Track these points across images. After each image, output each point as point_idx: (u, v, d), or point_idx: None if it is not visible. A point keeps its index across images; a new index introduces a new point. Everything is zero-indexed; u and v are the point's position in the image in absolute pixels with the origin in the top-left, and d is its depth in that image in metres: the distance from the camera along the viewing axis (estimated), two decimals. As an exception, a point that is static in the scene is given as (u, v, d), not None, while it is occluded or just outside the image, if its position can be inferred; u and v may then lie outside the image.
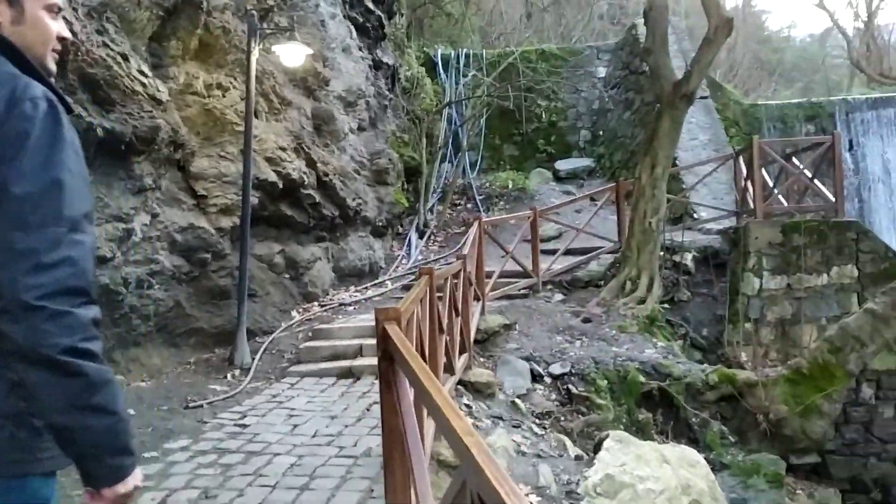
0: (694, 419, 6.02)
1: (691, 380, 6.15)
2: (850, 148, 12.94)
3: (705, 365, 6.44)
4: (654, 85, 7.68)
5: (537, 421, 5.49)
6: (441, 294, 4.57)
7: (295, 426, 4.47)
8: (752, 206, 7.72)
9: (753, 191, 7.58)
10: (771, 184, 8.07)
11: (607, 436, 4.67)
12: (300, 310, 7.27)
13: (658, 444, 5.07)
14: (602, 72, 14.44)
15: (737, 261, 7.55)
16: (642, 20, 13.88)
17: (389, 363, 2.22)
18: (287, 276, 7.35)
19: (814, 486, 6.59)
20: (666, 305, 7.46)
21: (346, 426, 4.41)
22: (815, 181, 7.73)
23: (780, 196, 8.01)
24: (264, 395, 5.26)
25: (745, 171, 7.89)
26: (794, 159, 8.09)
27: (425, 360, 3.49)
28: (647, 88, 12.43)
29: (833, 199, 7.38)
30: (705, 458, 5.79)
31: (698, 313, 7.64)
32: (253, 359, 5.98)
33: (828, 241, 7.16)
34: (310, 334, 6.58)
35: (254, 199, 6.40)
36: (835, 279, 7.18)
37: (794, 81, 24.41)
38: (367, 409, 4.76)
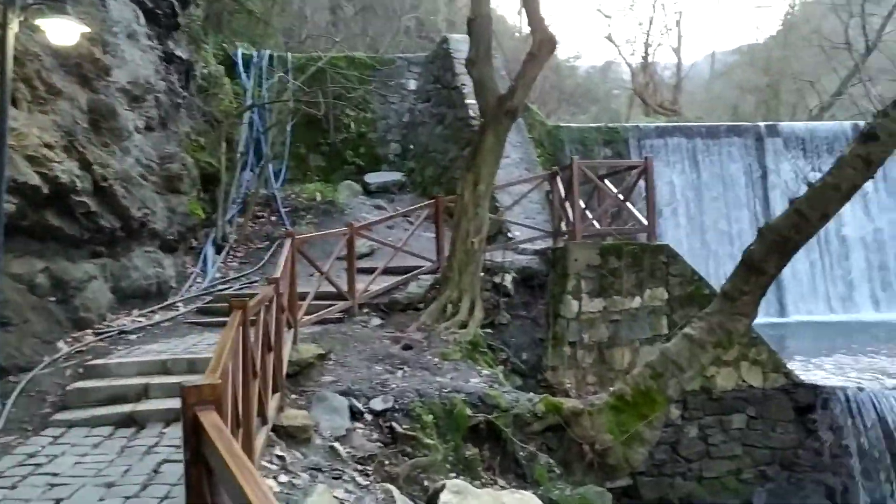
0: (521, 453, 5.69)
1: (519, 411, 5.82)
2: (643, 172, 13.67)
3: (531, 394, 6.15)
4: (477, 98, 7.37)
5: (360, 467, 4.84)
6: (252, 326, 3.81)
7: (57, 502, 3.48)
8: (569, 227, 7.67)
9: (573, 212, 7.51)
10: (584, 206, 8.06)
11: (443, 487, 4.16)
12: (69, 340, 6.06)
13: (495, 490, 4.63)
14: (413, 84, 14.14)
15: (555, 282, 7.42)
16: (451, 34, 13.89)
17: (204, 472, 1.50)
18: (52, 299, 6.11)
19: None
20: (487, 329, 7.14)
21: (128, 498, 3.50)
22: (628, 204, 7.83)
23: (593, 219, 8.02)
24: (17, 455, 4.16)
25: (562, 192, 7.83)
26: (607, 182, 8.17)
27: (238, 422, 2.75)
28: (458, 104, 12.28)
29: (646, 223, 7.47)
30: (535, 494, 5.48)
31: (518, 337, 7.40)
32: (3, 405, 4.79)
33: (642, 264, 7.21)
34: (81, 371, 5.45)
35: (9, 205, 5.20)
36: (647, 302, 7.25)
37: (584, 108, 25.86)
38: (156, 471, 3.85)
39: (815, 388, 7.31)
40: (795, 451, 7.26)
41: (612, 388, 6.25)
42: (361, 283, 7.49)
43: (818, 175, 14.01)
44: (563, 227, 7.98)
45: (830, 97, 19.85)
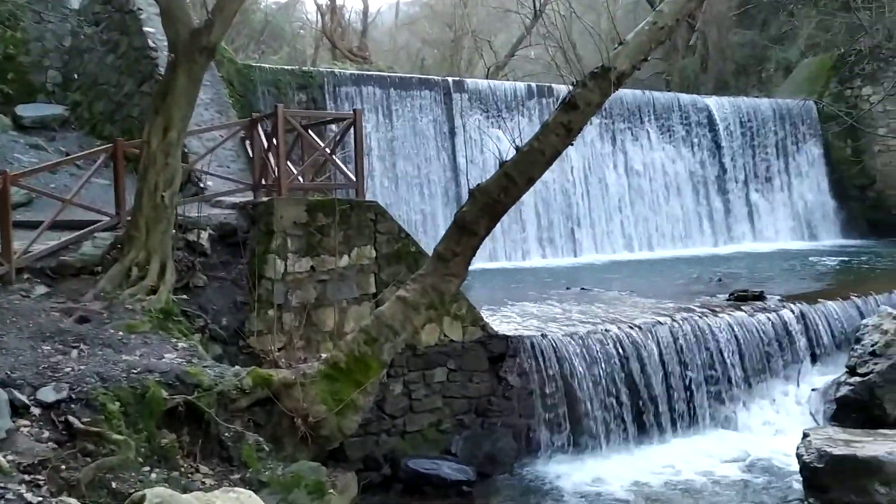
0: (226, 434, 5.15)
1: (224, 387, 5.25)
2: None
3: (237, 367, 5.60)
4: (166, 30, 6.38)
5: (28, 478, 3.95)
6: None
7: None
8: (272, 180, 7.11)
9: (277, 164, 6.95)
10: (290, 157, 7.53)
11: (142, 498, 3.50)
12: None
13: (207, 494, 4.05)
14: (76, 2, 12.13)
15: (259, 241, 6.84)
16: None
17: None
18: None
19: (333, 472, 6.35)
20: (181, 294, 6.36)
21: None
22: (335, 158, 7.48)
23: (298, 173, 7.53)
24: None
25: (265, 142, 7.21)
26: (310, 132, 7.73)
27: None
28: (135, 31, 10.80)
29: (354, 178, 7.19)
30: (243, 478, 5.01)
31: (217, 301, 6.72)
32: None
33: (350, 222, 6.94)
34: None
35: None
36: (355, 260, 7.03)
37: (273, 48, 24.77)
38: None
39: (506, 339, 7.76)
40: (489, 399, 7.67)
41: (324, 356, 5.95)
42: (19, 242, 6.19)
43: (500, 133, 15.16)
44: (265, 180, 7.39)
45: (505, 57, 21.41)
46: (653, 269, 13.43)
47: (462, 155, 14.57)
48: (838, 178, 18.03)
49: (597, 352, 7.88)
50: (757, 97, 19.31)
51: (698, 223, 16.45)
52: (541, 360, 7.71)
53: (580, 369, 7.76)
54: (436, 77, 15.34)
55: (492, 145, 14.71)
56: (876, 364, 8.35)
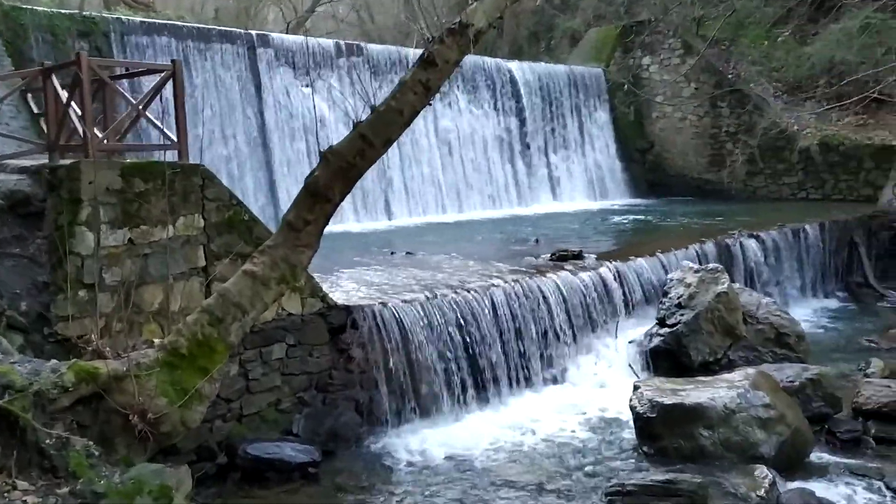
0: (48, 440, 4.37)
1: (41, 386, 4.44)
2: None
3: (55, 361, 4.75)
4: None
5: None
6: None
7: None
8: (74, 140, 6.10)
9: (82, 121, 5.95)
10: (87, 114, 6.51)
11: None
12: None
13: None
14: None
15: (62, 211, 5.87)
16: None
17: None
18: None
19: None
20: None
21: None
22: (149, 114, 6.58)
23: (109, 131, 6.55)
24: None
25: (63, 95, 6.15)
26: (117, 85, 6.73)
27: None
28: None
29: (175, 139, 6.37)
30: (73, 491, 4.29)
31: (13, 282, 5.70)
32: None
33: (174, 188, 6.17)
34: None
35: None
36: (181, 231, 6.28)
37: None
38: None
39: (347, 309, 7.40)
40: (330, 373, 7.31)
41: (157, 341, 5.24)
42: None
43: (308, 90, 14.46)
44: (64, 140, 6.33)
45: (305, 12, 20.51)
46: (467, 230, 13.60)
47: (270, 113, 13.76)
48: (623, 142, 19.38)
49: (437, 318, 7.78)
50: (548, 63, 20.13)
51: (505, 185, 16.94)
52: (382, 329, 7.45)
53: (421, 336, 7.62)
54: (238, 30, 14.26)
55: (300, 103, 14.14)
56: (682, 315, 9.04)
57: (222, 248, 6.44)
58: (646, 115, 19.55)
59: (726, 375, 7.29)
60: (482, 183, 16.53)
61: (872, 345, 9.99)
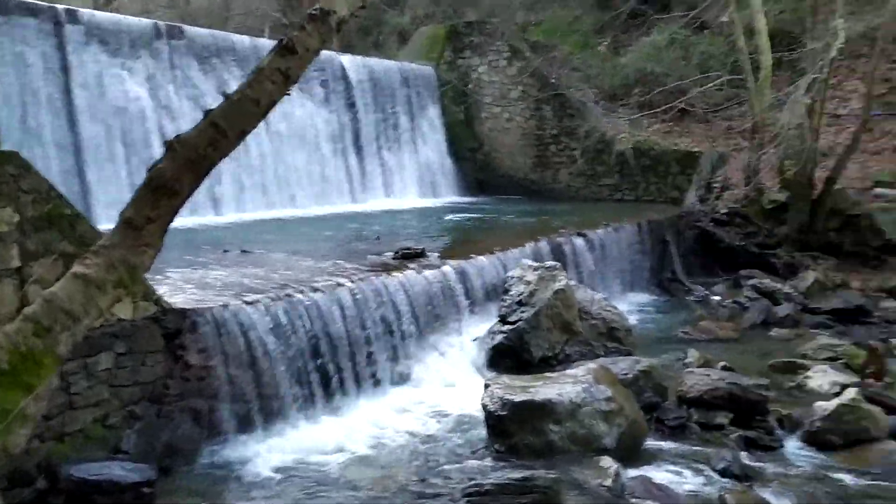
0: None
1: None
2: None
3: None
4: None
5: None
6: None
7: None
8: None
9: None
10: None
11: None
12: None
13: None
14: None
15: None
16: None
17: None
18: None
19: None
20: None
21: None
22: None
23: None
24: None
25: None
26: None
27: None
28: None
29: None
30: None
31: None
32: None
33: (-18, 177, 5.36)
34: None
35: None
36: (-9, 226, 5.46)
37: None
38: None
39: (183, 312, 6.84)
40: (165, 382, 6.72)
41: (-33, 355, 4.49)
42: None
43: (124, 73, 13.33)
44: None
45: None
46: (301, 227, 13.19)
47: (80, 96, 12.50)
48: (454, 141, 19.68)
49: (282, 319, 7.40)
50: (379, 58, 20.04)
51: (337, 181, 16.60)
52: (223, 333, 6.97)
53: (265, 339, 7.21)
54: (42, 3, 12.83)
55: (113, 85, 12.98)
56: (523, 312, 9.28)
57: (40, 246, 5.69)
58: (475, 115, 19.97)
59: (570, 371, 7.55)
60: (314, 178, 16.09)
61: (687, 336, 10.80)
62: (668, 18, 18.14)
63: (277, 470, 6.57)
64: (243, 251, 9.94)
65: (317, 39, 5.06)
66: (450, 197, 18.70)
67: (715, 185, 15.69)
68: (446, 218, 14.74)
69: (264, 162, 15.12)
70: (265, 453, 6.79)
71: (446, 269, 9.50)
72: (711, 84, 15.82)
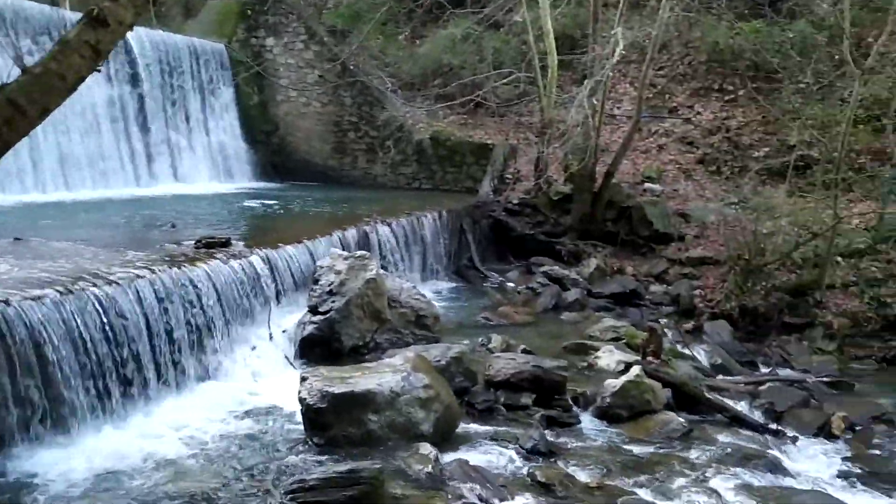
0: None
1: None
2: None
3: None
4: None
5: None
6: None
7: None
8: None
9: None
10: None
11: None
12: None
13: None
14: None
15: None
16: None
17: None
18: None
19: None
20: None
21: None
22: None
23: None
24: None
25: None
26: None
27: None
28: None
29: None
30: None
31: None
32: None
33: None
34: None
35: None
36: None
37: None
38: None
39: (-45, 311, 5.97)
40: (-68, 392, 5.83)
41: None
42: None
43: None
44: None
45: None
46: (82, 212, 12.04)
47: None
48: (248, 123, 18.95)
49: (74, 315, 6.71)
50: (164, 31, 18.75)
51: (119, 162, 15.32)
52: (5, 331, 6.18)
53: (55, 338, 6.50)
54: None
55: None
56: (334, 302, 9.20)
57: None
58: (270, 97, 19.37)
59: (388, 360, 7.62)
60: (93, 158, 14.72)
61: (488, 321, 11.31)
62: (462, 13, 18.73)
63: (69, 480, 5.96)
64: (16, 239, 8.89)
65: (131, 12, 4.67)
66: (244, 182, 18.00)
67: (507, 176, 16.51)
68: (245, 204, 14.18)
69: (33, 138, 13.53)
70: (56, 462, 6.14)
71: (254, 258, 9.15)
72: (505, 80, 16.61)
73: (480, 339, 10.03)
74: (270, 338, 8.89)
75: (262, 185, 17.89)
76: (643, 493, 6.51)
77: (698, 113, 16.66)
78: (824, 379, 10.10)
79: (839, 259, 11.83)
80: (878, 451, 7.97)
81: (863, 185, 13.30)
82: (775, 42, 15.71)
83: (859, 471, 7.43)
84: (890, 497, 6.98)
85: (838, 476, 7.29)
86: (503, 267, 14.78)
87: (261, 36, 19.53)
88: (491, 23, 18.46)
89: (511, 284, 13.70)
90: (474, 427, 7.62)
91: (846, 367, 10.89)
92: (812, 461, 7.63)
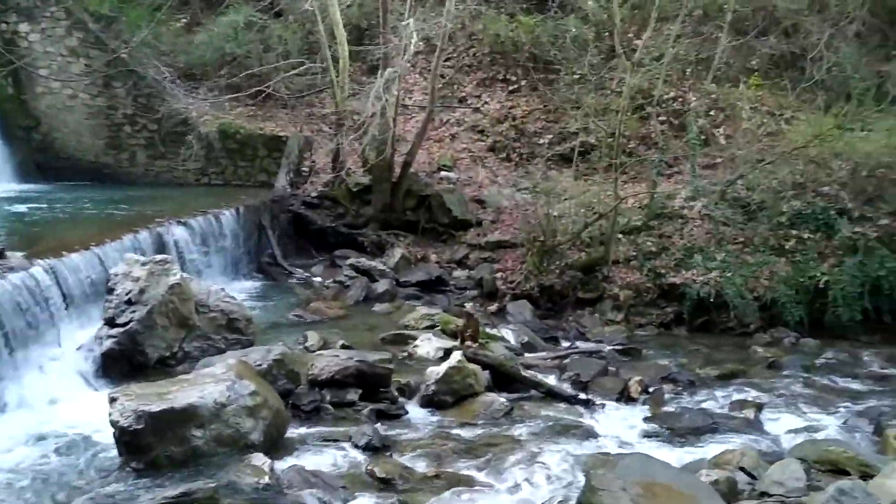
0: None
1: None
2: None
3: None
4: None
5: None
6: None
7: None
8: None
9: None
10: None
11: None
12: None
13: None
14: None
15: None
16: None
17: None
18: None
19: None
20: None
21: None
22: None
23: None
24: None
25: None
26: None
27: None
28: None
29: None
30: None
31: None
32: None
33: None
34: None
35: None
36: None
37: None
38: None
39: None
40: None
41: None
42: None
43: None
44: None
45: None
46: None
47: None
48: (3, 118, 16.80)
49: None
50: None
51: None
52: None
53: None
54: None
55: None
56: (134, 312, 8.48)
57: None
58: (28, 88, 17.28)
59: (208, 370, 7.16)
60: None
61: (300, 319, 11.01)
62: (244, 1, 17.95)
63: None
64: None
65: None
66: (3, 184, 15.92)
67: (304, 169, 16.12)
68: (9, 210, 12.56)
69: None
70: None
71: (35, 270, 8.14)
72: (295, 71, 16.17)
73: (296, 338, 9.74)
74: (63, 358, 7.97)
75: (25, 187, 15.92)
76: (480, 476, 6.71)
77: (486, 102, 17.30)
78: (617, 347, 10.97)
79: (621, 236, 12.88)
80: (670, 409, 8.80)
81: (634, 168, 14.59)
82: (551, 35, 16.72)
83: (658, 428, 8.18)
84: (683, 448, 7.75)
85: (644, 436, 7.97)
86: (307, 262, 14.45)
87: (12, 21, 17.32)
88: (276, 11, 17.87)
89: (318, 279, 13.44)
90: (304, 430, 7.41)
91: (633, 334, 11.91)
92: (619, 425, 8.27)
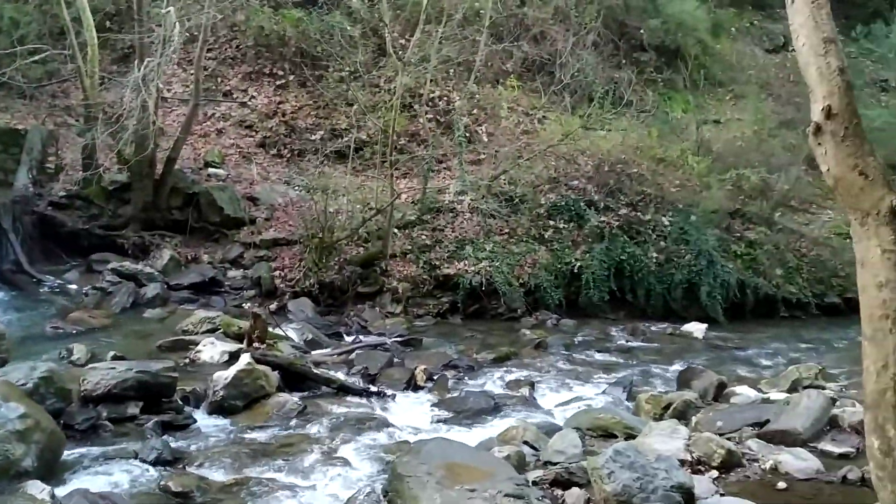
0: None
1: None
2: None
3: None
4: None
5: None
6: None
7: None
8: None
9: None
10: None
11: None
12: None
13: None
14: None
15: None
16: None
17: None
18: None
19: None
20: None
21: None
22: None
23: None
24: None
25: None
26: None
27: None
28: None
29: None
30: None
31: None
32: None
33: None
34: None
35: None
36: None
37: None
38: None
39: None
40: None
41: None
42: None
43: None
44: None
45: None
46: None
47: None
48: None
49: None
50: None
51: None
52: None
53: None
54: None
55: None
56: None
57: None
58: None
59: (-36, 395, 6.27)
60: None
61: (60, 330, 10.02)
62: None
63: None
64: None
65: None
66: None
67: (49, 166, 14.58)
68: None
69: None
70: None
71: None
72: (35, 58, 14.54)
73: (59, 352, 8.88)
74: None
75: None
76: (281, 477, 6.61)
77: (253, 97, 16.82)
78: (398, 339, 11.32)
79: (397, 231, 13.28)
80: (455, 393, 9.29)
81: (406, 164, 15.07)
82: (318, 31, 16.67)
83: (447, 413, 8.59)
84: (471, 429, 8.22)
85: (436, 421, 8.33)
86: (58, 268, 13.12)
87: None
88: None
89: (74, 286, 12.27)
90: (82, 450, 6.78)
91: (412, 325, 12.38)
92: (410, 413, 8.57)
